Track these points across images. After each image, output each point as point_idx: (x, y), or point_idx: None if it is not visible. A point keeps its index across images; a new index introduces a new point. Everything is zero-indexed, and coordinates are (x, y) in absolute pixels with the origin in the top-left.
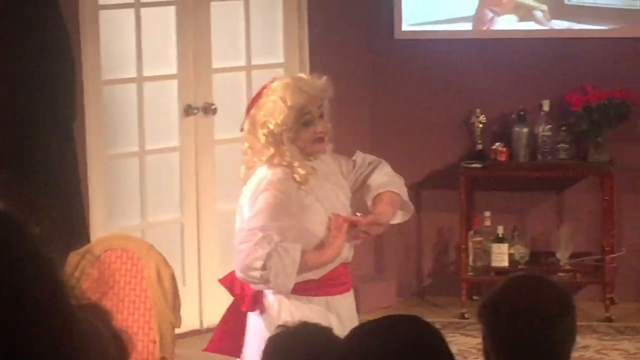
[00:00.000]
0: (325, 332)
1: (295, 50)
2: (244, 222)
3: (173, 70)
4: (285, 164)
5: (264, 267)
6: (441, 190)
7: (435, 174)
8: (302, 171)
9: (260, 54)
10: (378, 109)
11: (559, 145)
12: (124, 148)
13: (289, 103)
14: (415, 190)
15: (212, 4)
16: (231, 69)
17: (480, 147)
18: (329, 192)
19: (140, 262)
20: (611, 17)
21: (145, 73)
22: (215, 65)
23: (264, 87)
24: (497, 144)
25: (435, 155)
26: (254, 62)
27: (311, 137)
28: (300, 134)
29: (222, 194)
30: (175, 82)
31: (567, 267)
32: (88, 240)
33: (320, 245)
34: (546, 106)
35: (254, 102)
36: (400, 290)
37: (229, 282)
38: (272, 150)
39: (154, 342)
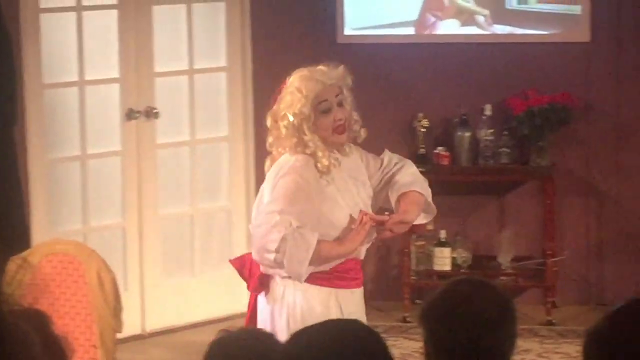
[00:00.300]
0: (268, 338)
1: (238, 54)
2: (263, 205)
3: (115, 74)
4: (309, 152)
5: (277, 250)
6: None
7: None
8: (325, 161)
9: (202, 57)
10: None
11: (500, 150)
12: (65, 152)
13: (304, 92)
14: None
15: (155, 7)
16: (173, 73)
17: (422, 151)
18: (350, 187)
19: (82, 267)
20: (552, 22)
21: (87, 77)
22: (158, 69)
23: (283, 83)
24: (440, 148)
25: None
26: (196, 66)
27: (330, 125)
28: (320, 123)
29: (164, 198)
30: (117, 86)
31: (509, 270)
32: (29, 245)
33: (338, 237)
34: (488, 110)
35: (274, 98)
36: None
37: (239, 264)
38: (294, 140)
39: (95, 347)
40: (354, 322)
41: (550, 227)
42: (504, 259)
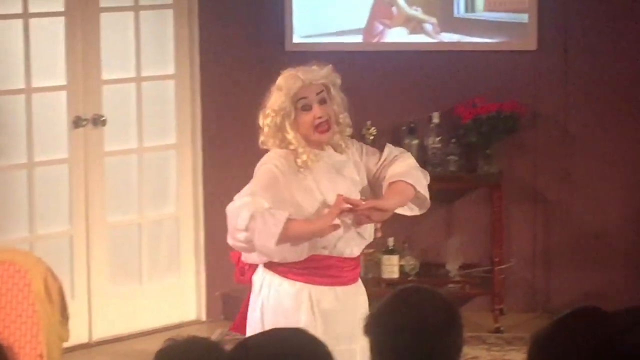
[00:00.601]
0: (213, 347)
1: (186, 61)
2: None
3: (62, 81)
4: (292, 149)
5: (247, 228)
6: None
7: None
8: (304, 157)
9: (150, 65)
10: None
11: (448, 157)
12: (12, 160)
13: (284, 90)
14: None
15: (102, 14)
16: (121, 80)
17: None
18: (332, 181)
19: (28, 275)
20: (499, 30)
21: (34, 84)
22: (105, 76)
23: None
24: None
25: None
26: (144, 73)
27: (310, 123)
28: (301, 121)
29: (112, 206)
30: (64, 94)
31: (457, 278)
32: None
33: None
34: (436, 118)
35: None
36: None
37: (236, 257)
38: (279, 137)
39: (41, 356)
40: (300, 332)
41: (497, 234)
42: (452, 267)
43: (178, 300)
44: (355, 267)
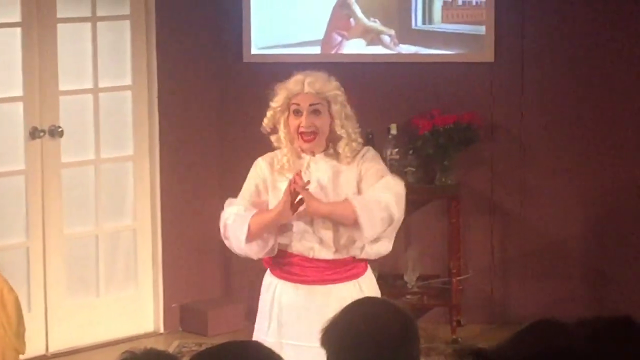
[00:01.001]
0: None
1: (143, 73)
2: None
3: (19, 92)
4: (280, 147)
5: (226, 237)
6: None
7: None
8: (284, 159)
9: (107, 76)
10: (227, 133)
11: (406, 169)
12: None
13: (285, 90)
14: None
15: (59, 25)
16: (78, 92)
17: None
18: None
19: None
20: (457, 42)
21: None
22: (62, 87)
23: None
24: None
25: None
26: (101, 84)
27: (295, 128)
28: (290, 122)
29: (69, 217)
30: (20, 105)
31: (415, 289)
32: None
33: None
34: (394, 130)
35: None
36: (249, 314)
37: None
38: (276, 134)
39: None
40: (252, 343)
41: (455, 246)
42: (410, 278)
43: (135, 312)
44: (326, 270)
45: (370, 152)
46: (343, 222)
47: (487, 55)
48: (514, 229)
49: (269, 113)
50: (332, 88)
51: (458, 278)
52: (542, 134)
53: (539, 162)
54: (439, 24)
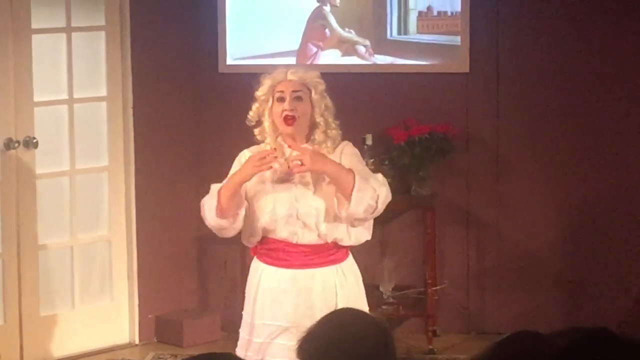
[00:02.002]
0: None
1: (118, 83)
2: None
3: None
4: (265, 139)
5: (205, 218)
6: None
7: None
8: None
9: (82, 87)
10: (203, 143)
11: None
12: None
13: (269, 79)
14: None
15: (34, 36)
16: (53, 102)
17: None
18: (292, 180)
19: None
20: (432, 52)
21: None
22: (37, 98)
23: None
24: None
25: None
26: (76, 95)
27: (279, 113)
28: (274, 109)
29: (44, 228)
30: None
31: (391, 300)
32: None
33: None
34: (369, 140)
35: None
36: (225, 324)
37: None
38: (261, 124)
39: None
40: (227, 355)
41: (431, 256)
42: (386, 288)
43: (111, 323)
44: (309, 255)
45: (348, 146)
46: (340, 186)
47: (462, 65)
48: (490, 239)
49: (254, 105)
50: (314, 76)
51: (434, 288)
52: (518, 144)
53: (514, 173)
54: (414, 35)
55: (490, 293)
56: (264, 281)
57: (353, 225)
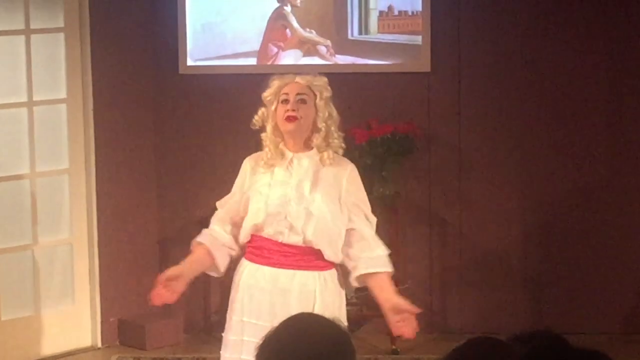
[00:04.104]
0: None
1: (78, 85)
2: None
3: None
4: (267, 143)
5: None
6: None
7: None
8: (266, 158)
9: (42, 89)
10: (164, 145)
11: None
12: None
13: (276, 82)
14: (202, 224)
15: None
16: (12, 105)
17: None
18: (290, 185)
19: None
20: (393, 52)
21: None
22: None
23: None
24: None
25: (222, 191)
26: (35, 97)
27: (282, 114)
28: (278, 110)
29: (4, 231)
30: None
31: (354, 300)
32: None
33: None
34: None
35: None
36: (187, 326)
37: None
38: (264, 127)
39: None
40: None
41: (393, 256)
42: (349, 289)
43: (73, 326)
44: (294, 256)
45: (354, 172)
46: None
47: (423, 65)
48: (453, 239)
49: (260, 110)
50: (321, 82)
51: (397, 288)
52: (480, 143)
53: (476, 172)
54: (375, 34)
55: (453, 292)
56: (245, 278)
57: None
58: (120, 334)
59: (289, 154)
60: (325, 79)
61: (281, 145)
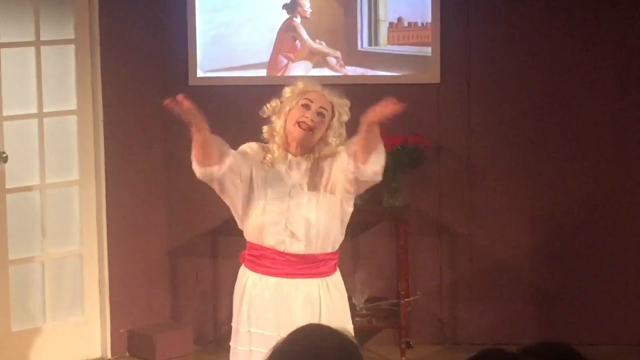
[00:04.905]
0: None
1: (88, 97)
2: None
3: None
4: (271, 141)
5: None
6: (237, 237)
7: (230, 220)
8: (275, 154)
9: (52, 101)
10: (173, 156)
11: None
12: None
13: (302, 85)
14: (212, 236)
15: (3, 50)
16: (23, 116)
17: None
18: (283, 187)
19: None
20: (403, 63)
21: None
22: (6, 112)
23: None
24: None
25: None
26: (46, 109)
27: (299, 117)
28: (294, 111)
29: (14, 243)
30: None
31: (364, 311)
32: None
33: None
34: None
35: None
36: (197, 338)
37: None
38: (274, 119)
39: None
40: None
41: (403, 267)
42: (359, 300)
43: (83, 337)
44: (296, 264)
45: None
46: (369, 141)
47: (433, 76)
48: (462, 250)
49: (274, 101)
50: (344, 104)
51: (406, 300)
52: (489, 154)
53: (486, 183)
54: (385, 46)
55: (463, 304)
56: (249, 288)
57: (356, 187)
58: (129, 345)
59: (289, 156)
60: (349, 103)
61: (291, 131)
